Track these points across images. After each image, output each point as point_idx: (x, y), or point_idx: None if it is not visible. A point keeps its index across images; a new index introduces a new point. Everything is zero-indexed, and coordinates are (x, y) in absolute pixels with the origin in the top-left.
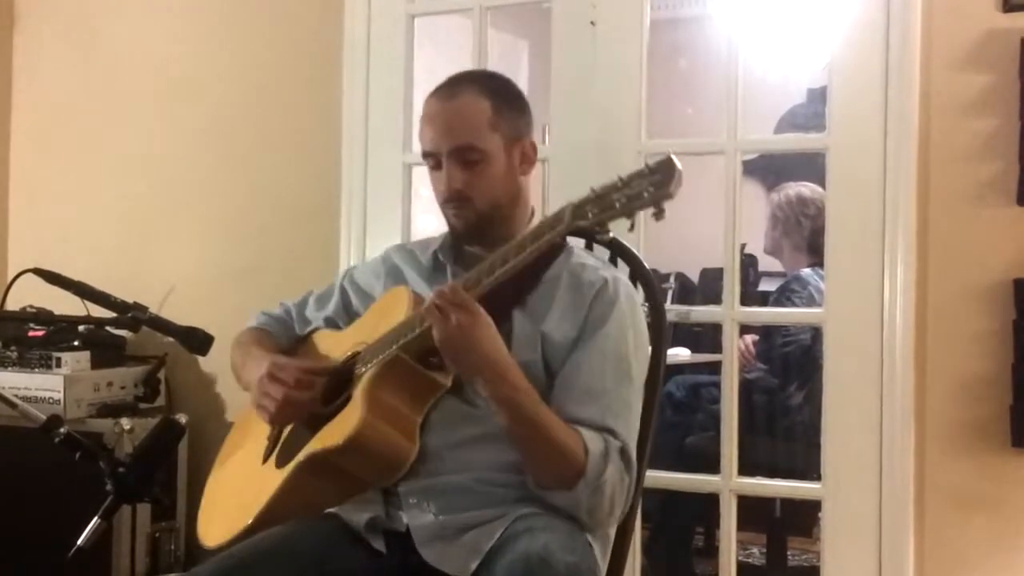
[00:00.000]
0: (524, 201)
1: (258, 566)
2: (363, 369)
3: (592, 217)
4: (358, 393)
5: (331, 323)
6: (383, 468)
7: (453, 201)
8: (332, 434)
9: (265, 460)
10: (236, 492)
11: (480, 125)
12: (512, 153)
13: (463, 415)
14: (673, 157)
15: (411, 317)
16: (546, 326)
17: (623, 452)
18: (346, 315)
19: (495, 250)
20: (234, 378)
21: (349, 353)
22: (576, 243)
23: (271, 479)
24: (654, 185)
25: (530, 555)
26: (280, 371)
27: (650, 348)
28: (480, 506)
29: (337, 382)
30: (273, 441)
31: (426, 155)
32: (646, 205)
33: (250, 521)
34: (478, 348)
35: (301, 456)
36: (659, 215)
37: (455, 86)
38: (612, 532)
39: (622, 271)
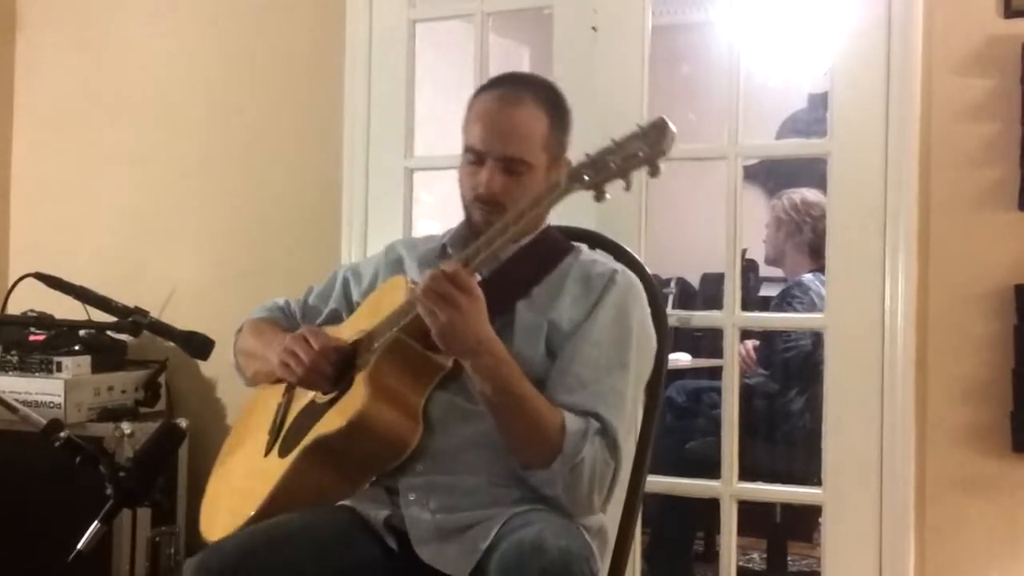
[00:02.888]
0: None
1: (284, 544)
2: (365, 354)
3: (588, 180)
4: (360, 376)
5: (335, 315)
6: (387, 450)
7: (487, 203)
8: (336, 418)
9: (267, 453)
10: (239, 486)
11: (535, 141)
12: (552, 171)
13: (463, 414)
14: (665, 117)
15: (409, 300)
16: (554, 314)
17: (605, 433)
18: (347, 306)
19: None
20: (235, 368)
21: (350, 342)
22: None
23: (275, 469)
24: (648, 144)
25: (523, 542)
26: (312, 336)
27: (655, 344)
28: (478, 507)
29: (340, 370)
30: (274, 435)
31: (469, 149)
32: (641, 164)
33: (253, 512)
34: (473, 330)
35: (306, 441)
36: (654, 172)
37: (518, 90)
38: (612, 533)
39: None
